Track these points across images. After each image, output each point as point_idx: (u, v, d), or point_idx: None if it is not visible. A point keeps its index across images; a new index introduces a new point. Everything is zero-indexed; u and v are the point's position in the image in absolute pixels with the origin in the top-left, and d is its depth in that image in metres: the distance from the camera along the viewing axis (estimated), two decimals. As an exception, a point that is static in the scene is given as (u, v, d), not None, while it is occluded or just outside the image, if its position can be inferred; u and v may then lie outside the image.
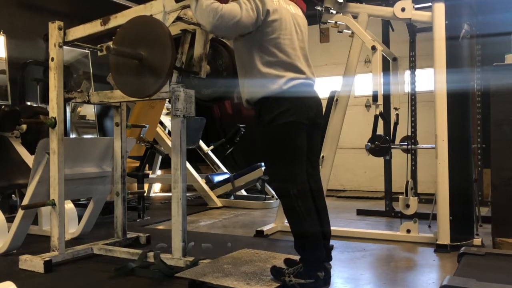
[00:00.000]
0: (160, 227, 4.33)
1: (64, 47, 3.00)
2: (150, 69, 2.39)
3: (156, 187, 6.98)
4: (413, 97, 4.68)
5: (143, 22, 2.49)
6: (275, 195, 5.48)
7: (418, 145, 4.55)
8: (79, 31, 2.95)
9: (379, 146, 3.85)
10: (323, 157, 3.82)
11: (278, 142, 2.40)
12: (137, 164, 5.16)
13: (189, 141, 4.70)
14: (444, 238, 3.24)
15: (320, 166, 3.83)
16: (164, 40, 2.35)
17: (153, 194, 6.68)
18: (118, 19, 2.76)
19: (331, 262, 2.58)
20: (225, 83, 2.97)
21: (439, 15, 3.34)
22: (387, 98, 4.45)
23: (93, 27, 2.89)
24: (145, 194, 5.37)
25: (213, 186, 5.67)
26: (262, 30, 2.38)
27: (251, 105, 2.50)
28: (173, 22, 2.63)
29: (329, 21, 3.84)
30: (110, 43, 2.51)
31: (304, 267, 2.36)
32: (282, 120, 2.36)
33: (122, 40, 2.49)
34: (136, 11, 2.69)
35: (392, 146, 3.98)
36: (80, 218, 3.75)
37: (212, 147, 6.32)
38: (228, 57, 2.96)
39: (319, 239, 2.39)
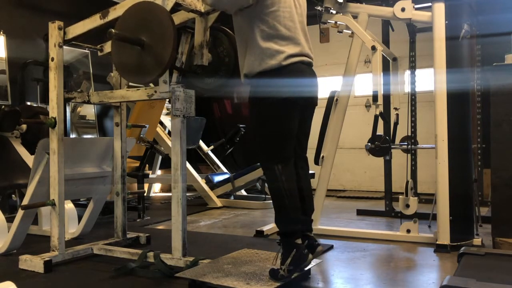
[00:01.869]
0: (160, 227, 4.33)
1: (64, 47, 3.00)
2: (152, 54, 2.39)
3: (156, 187, 6.98)
4: (413, 97, 4.68)
5: (143, 8, 2.49)
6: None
7: (418, 145, 4.55)
8: (78, 28, 2.94)
9: (379, 146, 3.85)
10: (323, 157, 3.82)
11: (270, 118, 2.41)
12: (137, 164, 5.16)
13: (189, 141, 4.70)
14: (444, 238, 3.24)
15: (320, 166, 3.85)
16: (165, 23, 2.35)
17: (153, 194, 6.68)
18: (118, 11, 2.74)
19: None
20: (228, 69, 2.95)
21: (439, 15, 3.34)
22: (387, 98, 4.45)
23: (93, 22, 2.87)
24: (145, 194, 5.37)
25: (213, 186, 5.67)
26: (261, 3, 2.39)
27: (248, 79, 2.49)
28: (173, 12, 2.62)
29: (329, 21, 3.84)
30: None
31: (283, 243, 2.38)
32: (277, 96, 2.37)
33: (123, 26, 2.49)
34: None
35: (392, 146, 3.98)
36: (80, 218, 3.75)
37: (212, 147, 6.32)
38: (228, 43, 2.95)
39: (298, 215, 2.41)
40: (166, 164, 6.43)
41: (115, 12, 2.76)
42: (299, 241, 2.36)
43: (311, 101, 2.57)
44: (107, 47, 3.23)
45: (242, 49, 2.50)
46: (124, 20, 2.53)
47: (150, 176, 5.77)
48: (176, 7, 2.66)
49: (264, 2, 2.39)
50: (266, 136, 2.45)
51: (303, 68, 2.46)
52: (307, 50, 2.52)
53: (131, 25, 2.47)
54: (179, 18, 2.89)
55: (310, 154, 2.81)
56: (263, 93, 2.40)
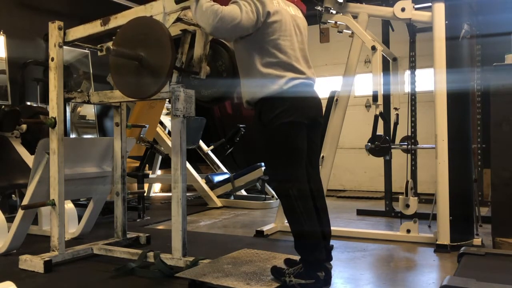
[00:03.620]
0: (160, 227, 4.33)
1: (64, 47, 3.00)
2: (150, 70, 2.39)
3: (156, 187, 6.98)
4: (413, 97, 4.68)
5: (143, 23, 2.49)
6: (275, 195, 5.49)
7: (418, 145, 4.55)
8: (79, 32, 2.95)
9: (379, 146, 3.85)
10: (323, 157, 3.82)
11: (278, 142, 2.40)
12: (137, 164, 5.17)
13: (189, 141, 4.70)
14: (444, 238, 3.24)
15: (320, 166, 3.84)
16: (164, 41, 2.35)
17: (153, 194, 6.68)
18: (118, 20, 2.77)
19: (331, 262, 2.57)
20: (225, 84, 2.97)
21: (439, 15, 3.34)
22: (387, 98, 4.45)
23: (93, 27, 2.89)
24: (145, 194, 5.37)
25: (213, 186, 5.67)
26: (262, 32, 2.38)
27: (251, 105, 2.50)
28: (173, 23, 2.63)
29: (329, 21, 3.84)
30: (110, 44, 2.51)
31: (304, 268, 2.36)
32: (282, 119, 2.36)
33: (122, 41, 2.49)
34: (137, 11, 2.69)
35: (392, 146, 3.98)
36: (80, 218, 3.75)
37: (212, 147, 6.32)
38: (228, 57, 2.96)
39: (319, 239, 2.39)
40: (166, 164, 6.43)
41: (116, 21, 2.78)
42: (321, 274, 2.35)
43: (316, 120, 2.55)
44: (107, 47, 3.23)
45: (243, 75, 2.50)
46: (124, 34, 2.52)
47: (150, 176, 5.77)
48: (177, 21, 2.68)
49: (264, 30, 2.38)
50: (277, 160, 2.43)
51: (304, 89, 2.45)
52: (309, 75, 2.51)
53: (130, 40, 2.46)
54: (180, 27, 2.90)
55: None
56: (268, 118, 2.38)
